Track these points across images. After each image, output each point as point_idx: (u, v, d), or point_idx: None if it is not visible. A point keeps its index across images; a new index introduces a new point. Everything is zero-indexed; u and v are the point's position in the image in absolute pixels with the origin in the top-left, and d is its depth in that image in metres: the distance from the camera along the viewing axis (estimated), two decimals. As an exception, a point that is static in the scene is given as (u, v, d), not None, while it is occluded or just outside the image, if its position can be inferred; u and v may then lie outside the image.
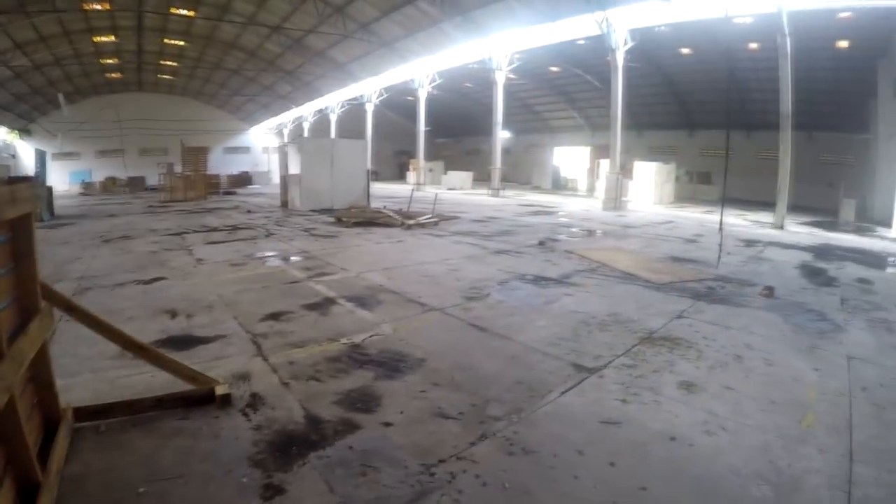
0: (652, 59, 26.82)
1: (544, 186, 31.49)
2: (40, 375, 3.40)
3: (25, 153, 42.62)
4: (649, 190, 24.04)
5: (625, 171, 21.69)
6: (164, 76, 44.62)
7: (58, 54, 32.47)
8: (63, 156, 45.03)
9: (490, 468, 3.35)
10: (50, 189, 21.00)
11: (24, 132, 43.77)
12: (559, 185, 32.92)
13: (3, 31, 24.09)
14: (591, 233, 12.50)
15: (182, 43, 37.35)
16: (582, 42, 23.40)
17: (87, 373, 4.67)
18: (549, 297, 7.27)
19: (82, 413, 3.90)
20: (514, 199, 21.97)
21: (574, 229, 12.97)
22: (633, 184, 24.33)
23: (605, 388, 4.53)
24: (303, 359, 5.31)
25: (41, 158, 20.67)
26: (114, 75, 41.82)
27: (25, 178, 18.96)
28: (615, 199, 19.75)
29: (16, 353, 2.71)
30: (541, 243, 11.01)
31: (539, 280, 8.09)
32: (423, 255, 10.36)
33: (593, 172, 28.48)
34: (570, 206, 19.04)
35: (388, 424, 3.94)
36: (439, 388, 4.52)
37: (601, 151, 28.10)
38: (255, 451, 3.58)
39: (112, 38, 34.07)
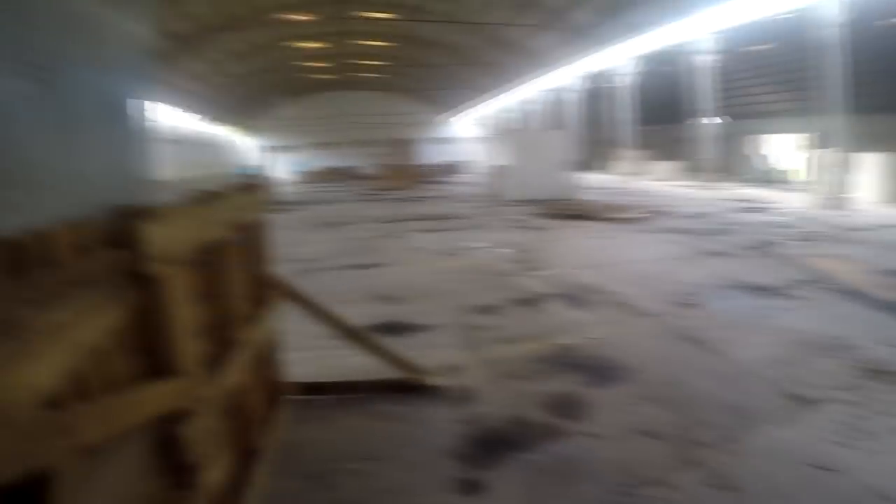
0: (877, 32, 22.65)
1: (754, 178, 28.20)
2: (266, 356, 3.70)
3: (248, 148, 48.44)
4: (877, 186, 20.00)
5: (845, 162, 18.55)
6: (369, 74, 47.75)
7: (270, 60, 35.97)
8: (282, 148, 50.20)
9: (689, 500, 3.09)
10: (275, 181, 23.28)
11: (247, 130, 49.38)
12: (770, 177, 29.25)
13: (219, 45, 27.35)
14: (809, 235, 10.77)
15: (383, 43, 39.51)
16: (793, 16, 20.38)
17: (306, 351, 4.89)
18: (765, 311, 6.35)
19: (300, 388, 4.22)
20: (723, 193, 19.99)
21: (790, 230, 11.28)
22: (857, 178, 20.54)
23: (821, 426, 3.84)
24: (512, 356, 5.24)
25: (264, 155, 23.05)
26: (323, 76, 45.54)
27: (256, 184, 21.15)
28: (835, 196, 17.04)
29: (248, 340, 3.01)
30: (756, 246, 9.79)
31: (755, 289, 7.12)
32: (634, 254, 9.76)
33: (808, 163, 24.83)
34: (784, 202, 16.77)
35: (593, 436, 3.77)
36: (648, 404, 4.20)
37: (817, 139, 24.52)
38: (460, 444, 3.61)
39: (318, 43, 37.01)
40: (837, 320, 6.03)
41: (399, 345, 5.48)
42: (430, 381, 4.42)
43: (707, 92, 24.50)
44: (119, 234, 1.72)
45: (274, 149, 47.82)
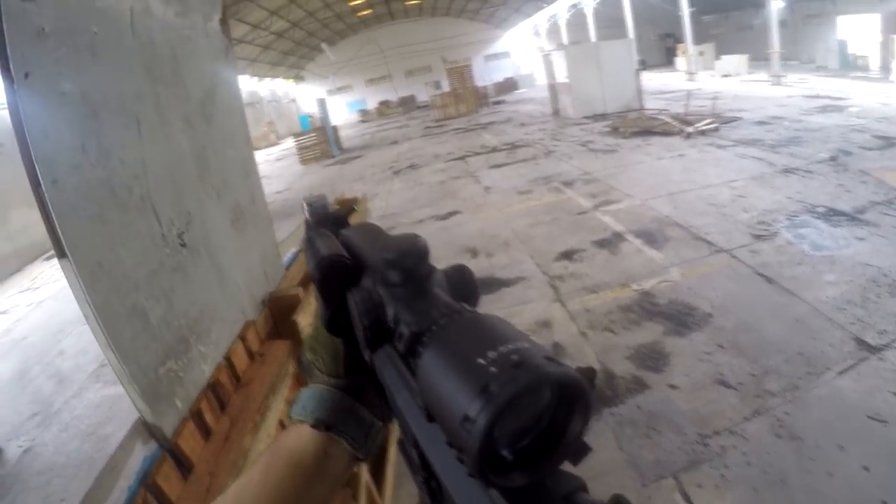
0: None
1: (829, 66, 25.86)
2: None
3: (302, 96, 48.88)
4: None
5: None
6: (411, 2, 46.37)
7: (309, 9, 35.52)
8: (337, 90, 50.48)
9: (757, 448, 3.41)
10: (335, 128, 23.60)
11: (299, 78, 49.64)
12: (846, 64, 26.71)
13: (256, 5, 27.36)
14: (890, 140, 10.12)
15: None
16: None
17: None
18: (839, 241, 6.25)
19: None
20: (796, 88, 18.68)
21: (867, 135, 10.60)
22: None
23: (882, 376, 4.00)
24: (597, 306, 5.67)
25: (322, 105, 23.25)
26: (365, 13, 44.59)
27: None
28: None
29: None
30: (832, 158, 9.35)
31: (830, 214, 6.97)
32: (706, 175, 9.72)
33: (887, 48, 22.36)
34: (862, 97, 15.48)
35: (673, 387, 4.15)
36: (723, 352, 4.51)
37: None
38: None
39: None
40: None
41: (495, 302, 6.02)
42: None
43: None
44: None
45: (329, 92, 48.07)
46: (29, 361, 7.65)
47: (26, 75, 1.18)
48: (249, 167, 2.71)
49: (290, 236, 3.85)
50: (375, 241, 0.56)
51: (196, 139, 2.09)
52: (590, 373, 0.35)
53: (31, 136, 1.19)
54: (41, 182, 1.22)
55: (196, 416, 1.80)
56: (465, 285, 0.49)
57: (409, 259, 0.47)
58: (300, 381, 2.36)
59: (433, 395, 0.33)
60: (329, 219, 0.71)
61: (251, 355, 2.20)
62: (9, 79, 1.15)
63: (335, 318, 0.56)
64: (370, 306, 0.47)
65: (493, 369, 0.29)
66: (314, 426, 0.59)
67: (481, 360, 0.30)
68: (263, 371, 2.14)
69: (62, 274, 1.35)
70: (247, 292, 2.31)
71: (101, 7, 1.54)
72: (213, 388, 1.93)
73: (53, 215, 1.25)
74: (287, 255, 3.21)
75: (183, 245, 1.83)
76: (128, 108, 1.63)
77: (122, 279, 1.49)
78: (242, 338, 2.17)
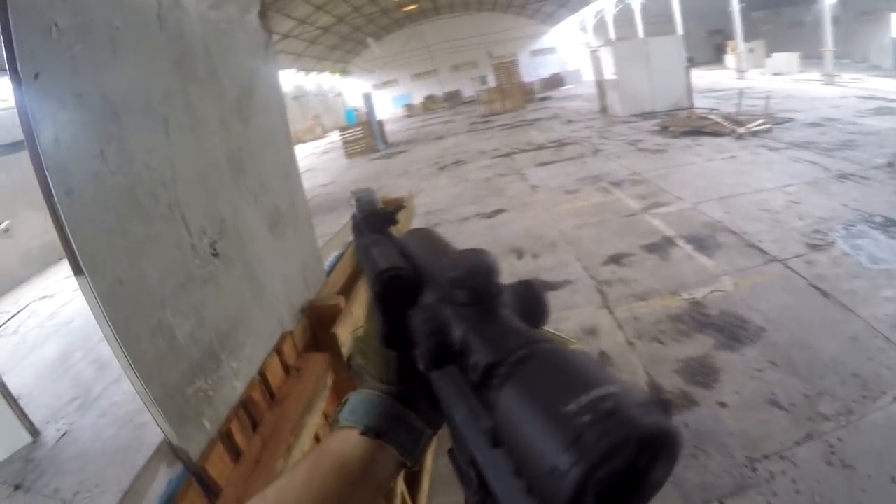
0: None
1: (883, 65, 24.72)
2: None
3: (348, 91, 49.40)
4: None
5: None
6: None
7: (355, 4, 35.73)
8: (382, 85, 50.73)
9: (807, 475, 3.26)
10: (380, 122, 23.57)
11: (345, 73, 50.11)
12: None
13: (302, 0, 27.70)
14: None
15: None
16: None
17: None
18: None
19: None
20: (850, 88, 17.77)
21: None
22: None
23: None
24: (646, 314, 5.46)
25: (368, 100, 23.25)
26: (410, 8, 44.67)
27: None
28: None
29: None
30: (889, 164, 8.85)
31: (888, 224, 6.56)
32: (759, 179, 9.28)
33: None
34: None
35: (722, 405, 3.97)
36: (776, 370, 4.30)
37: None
38: None
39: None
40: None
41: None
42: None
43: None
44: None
45: (375, 86, 48.38)
46: (72, 346, 7.85)
47: (36, 76, 1.06)
48: (290, 168, 2.58)
49: (333, 238, 3.73)
50: (437, 253, 0.54)
51: (231, 140, 1.96)
52: (666, 405, 0.31)
53: (42, 143, 1.07)
54: (53, 193, 1.10)
55: (225, 436, 1.69)
56: (534, 305, 0.46)
57: (478, 278, 0.44)
58: (338, 394, 2.26)
59: (514, 436, 0.32)
60: (377, 215, 0.71)
61: (287, 369, 2.09)
62: (16, 80, 1.03)
63: (393, 333, 0.55)
64: (435, 328, 0.44)
65: (585, 418, 0.28)
66: (364, 433, 0.59)
67: (572, 407, 0.29)
68: (299, 387, 2.02)
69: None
70: (284, 301, 2.19)
71: (125, -2, 1.42)
72: (245, 405, 1.82)
73: (67, 229, 1.13)
74: (329, 259, 3.09)
75: (215, 255, 1.71)
76: (154, 108, 1.50)
77: (146, 295, 1.37)
78: (278, 351, 2.05)
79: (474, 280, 0.44)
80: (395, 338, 0.55)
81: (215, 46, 1.89)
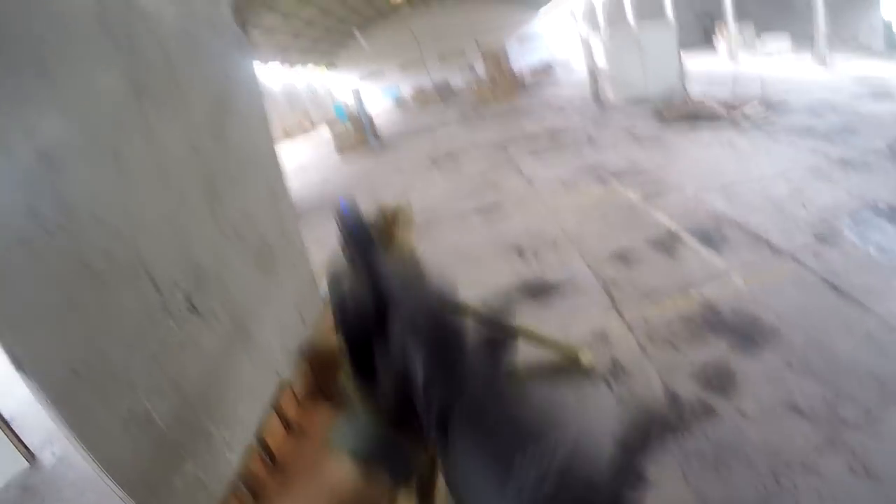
0: None
1: (874, 46, 24.44)
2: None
3: (335, 83, 48.87)
4: None
5: None
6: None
7: None
8: (370, 76, 49.91)
9: (830, 486, 3.18)
10: (370, 118, 23.02)
11: (330, 66, 49.51)
12: (892, 43, 25.24)
13: None
14: None
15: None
16: None
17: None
18: None
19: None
20: (843, 70, 17.49)
21: None
22: None
23: None
24: (656, 315, 5.29)
25: (357, 95, 22.75)
26: (397, 1, 44.15)
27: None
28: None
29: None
30: (888, 149, 8.65)
31: (894, 212, 6.39)
32: (759, 166, 9.07)
33: None
34: None
35: (742, 413, 3.87)
36: (794, 372, 4.17)
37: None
38: (617, 426, 3.88)
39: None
40: None
41: (545, 310, 5.69)
42: (586, 361, 4.60)
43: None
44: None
45: (362, 78, 47.94)
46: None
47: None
48: (277, 188, 2.27)
49: (327, 262, 3.47)
50: (409, 290, 0.61)
51: (204, 165, 1.65)
52: (655, 424, 0.51)
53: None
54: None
55: (223, 522, 1.44)
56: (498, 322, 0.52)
57: (438, 327, 0.53)
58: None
59: (464, 485, 0.36)
60: (365, 238, 0.84)
61: (288, 425, 1.83)
62: None
63: (363, 368, 0.62)
64: (398, 380, 0.56)
65: (524, 475, 0.32)
66: (353, 459, 0.64)
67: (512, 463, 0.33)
68: (304, 447, 1.77)
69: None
70: (279, 347, 1.93)
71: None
72: (244, 478, 1.56)
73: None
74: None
75: (193, 310, 1.43)
76: (101, 140, 1.20)
77: (111, 382, 1.10)
78: (276, 406, 1.79)
79: (432, 324, 0.50)
80: (366, 371, 0.58)
81: (178, 51, 1.58)
